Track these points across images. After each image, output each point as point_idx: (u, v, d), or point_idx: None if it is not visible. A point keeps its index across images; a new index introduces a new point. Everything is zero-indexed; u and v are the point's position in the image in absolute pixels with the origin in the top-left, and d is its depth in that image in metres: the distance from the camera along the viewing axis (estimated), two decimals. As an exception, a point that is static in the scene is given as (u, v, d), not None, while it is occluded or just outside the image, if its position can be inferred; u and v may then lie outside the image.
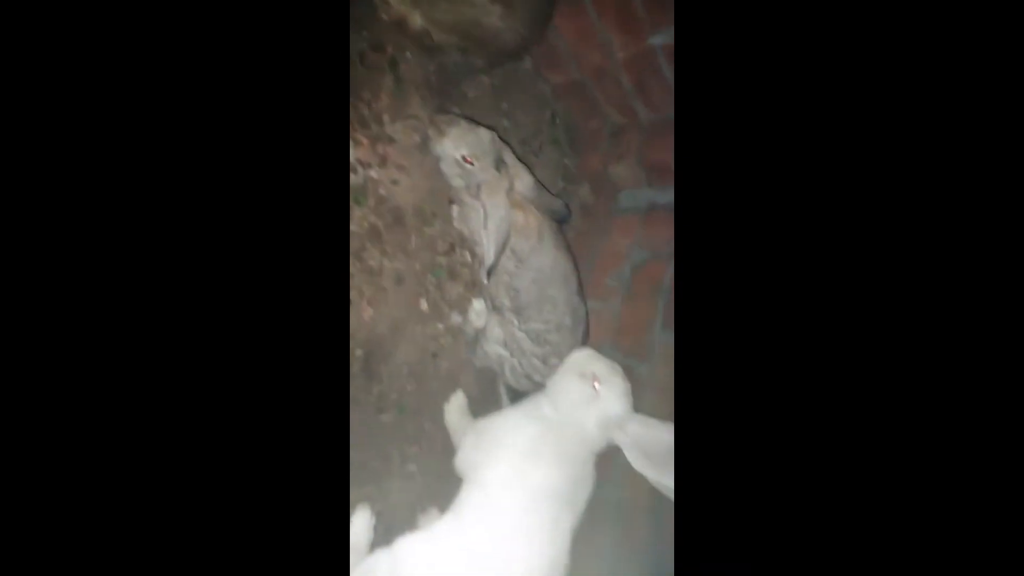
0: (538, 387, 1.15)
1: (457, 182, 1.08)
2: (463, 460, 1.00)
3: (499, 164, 1.06)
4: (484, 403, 1.22)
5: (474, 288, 1.26)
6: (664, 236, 1.42)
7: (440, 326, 1.21)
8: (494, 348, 1.16)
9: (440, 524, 0.89)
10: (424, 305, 1.19)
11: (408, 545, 0.86)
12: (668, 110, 1.42)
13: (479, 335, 1.19)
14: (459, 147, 1.03)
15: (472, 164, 1.03)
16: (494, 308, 1.17)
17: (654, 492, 1.13)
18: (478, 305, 1.22)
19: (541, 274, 1.11)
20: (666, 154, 1.42)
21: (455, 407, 1.15)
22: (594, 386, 0.97)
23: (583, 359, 1.03)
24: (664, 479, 0.88)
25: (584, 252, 1.53)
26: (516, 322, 1.12)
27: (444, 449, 1.17)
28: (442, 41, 1.14)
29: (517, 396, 1.19)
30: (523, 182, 1.09)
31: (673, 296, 1.30)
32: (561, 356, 1.12)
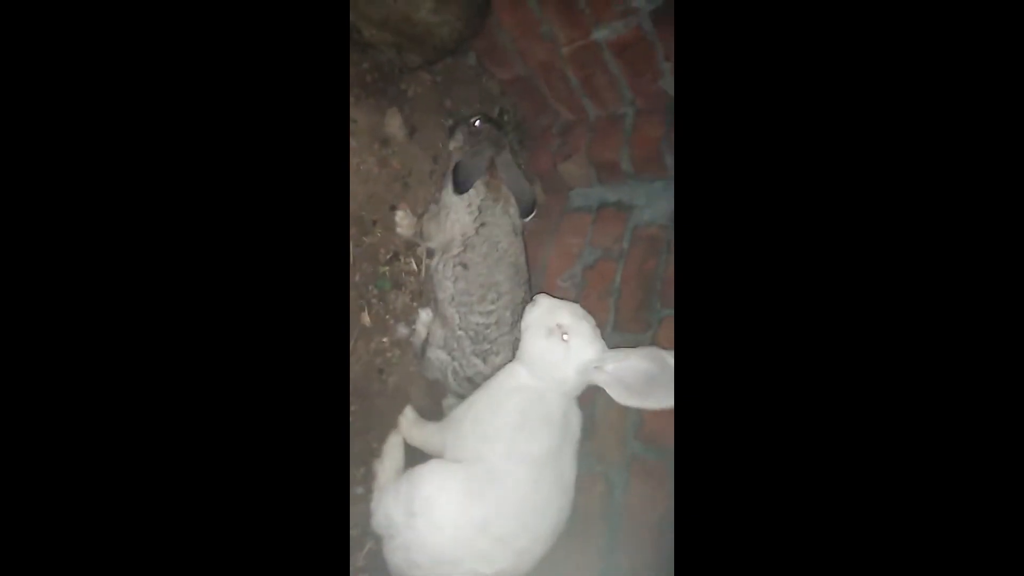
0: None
1: (459, 139, 1.19)
2: (456, 450, 0.99)
3: (500, 127, 1.21)
4: (435, 415, 1.18)
5: (420, 297, 1.22)
6: (614, 234, 1.41)
7: (385, 340, 1.16)
8: (436, 353, 1.14)
9: (452, 500, 0.90)
10: (366, 319, 1.13)
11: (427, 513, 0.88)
12: (615, 106, 1.40)
13: (425, 343, 1.16)
14: (473, 119, 1.20)
15: (478, 126, 1.19)
16: (436, 303, 1.15)
17: (607, 497, 1.14)
18: (424, 316, 1.18)
19: (493, 250, 1.11)
20: (615, 152, 1.40)
21: (409, 423, 1.11)
22: (563, 339, 0.98)
23: (543, 312, 1.01)
24: (649, 404, 0.91)
25: (537, 253, 1.50)
26: (457, 318, 1.10)
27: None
28: (373, 38, 1.07)
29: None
30: (505, 154, 1.17)
31: (621, 296, 1.30)
32: (500, 354, 1.11)
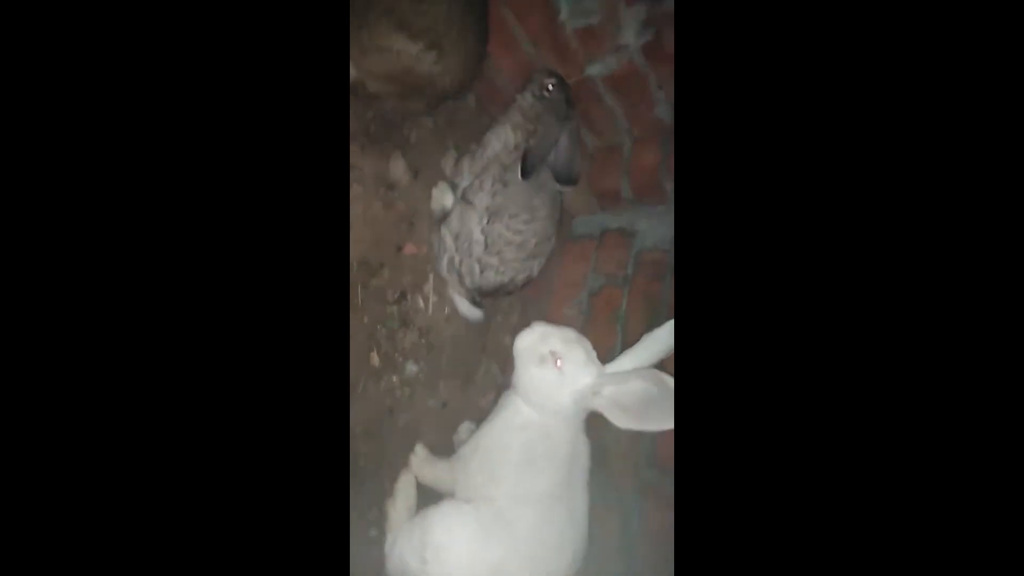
0: (466, 291, 1.19)
1: (527, 100, 1.19)
2: (465, 489, 0.99)
3: (569, 102, 1.20)
4: (447, 449, 1.19)
5: (429, 333, 1.24)
6: (618, 260, 1.42)
7: (395, 378, 1.18)
8: (445, 233, 1.17)
9: (464, 546, 0.89)
10: (375, 359, 1.15)
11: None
12: (613, 136, 1.43)
13: (441, 216, 1.21)
14: (550, 77, 1.20)
15: (551, 91, 1.19)
16: (465, 200, 1.17)
17: (623, 528, 1.13)
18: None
19: (534, 175, 1.13)
20: (615, 180, 1.42)
21: (420, 461, 1.12)
22: (557, 366, 0.96)
23: (534, 342, 1.00)
24: (648, 426, 0.89)
25: (541, 282, 1.52)
26: (485, 221, 1.12)
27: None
28: (378, 90, 1.12)
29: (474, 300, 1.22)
30: (571, 126, 1.19)
31: (627, 322, 1.30)
32: (499, 276, 1.15)
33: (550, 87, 1.18)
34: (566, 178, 1.21)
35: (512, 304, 1.46)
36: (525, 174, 1.10)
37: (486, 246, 1.13)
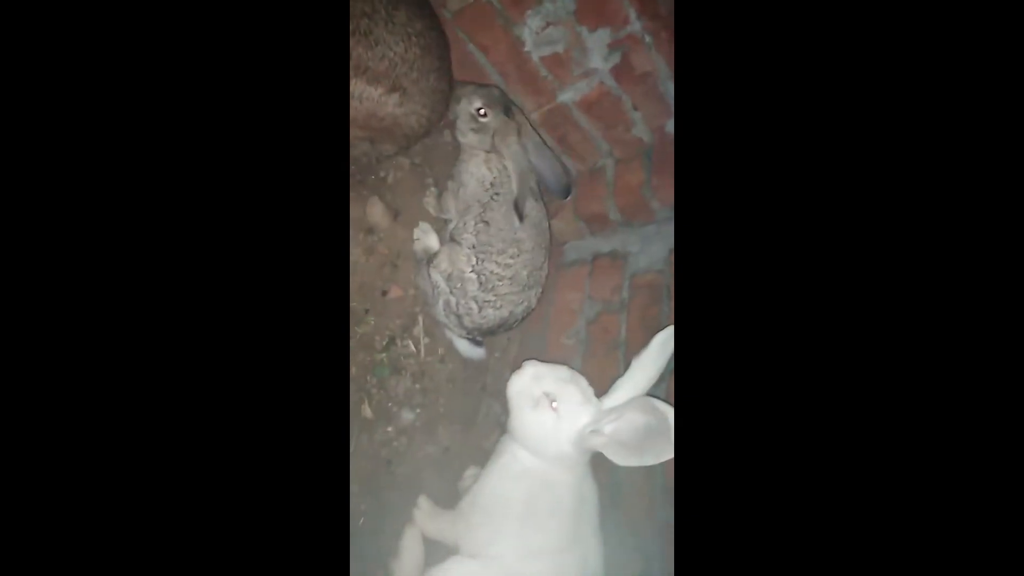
0: (466, 331, 1.16)
1: (472, 138, 1.15)
2: (470, 544, 0.94)
3: (508, 111, 1.15)
4: (452, 496, 1.13)
5: (423, 378, 1.19)
6: (613, 285, 1.38)
7: (390, 429, 1.13)
8: (436, 276, 1.14)
9: None
10: (367, 411, 1.11)
11: None
12: (594, 159, 1.41)
13: (427, 257, 1.19)
14: (473, 102, 1.13)
15: (486, 115, 1.13)
16: (453, 240, 1.16)
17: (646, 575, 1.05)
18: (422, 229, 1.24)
19: (513, 211, 1.12)
20: (600, 203, 1.40)
21: (424, 514, 1.06)
22: (552, 408, 0.91)
23: (526, 384, 0.94)
24: (647, 460, 0.84)
25: (536, 312, 1.48)
26: (474, 260, 1.11)
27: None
28: (346, 136, 1.11)
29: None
30: (530, 137, 1.16)
31: (628, 349, 1.25)
32: (498, 311, 1.13)
33: (481, 112, 1.13)
34: (563, 191, 1.20)
35: (510, 338, 1.42)
36: (522, 219, 1.11)
37: (480, 284, 1.11)
